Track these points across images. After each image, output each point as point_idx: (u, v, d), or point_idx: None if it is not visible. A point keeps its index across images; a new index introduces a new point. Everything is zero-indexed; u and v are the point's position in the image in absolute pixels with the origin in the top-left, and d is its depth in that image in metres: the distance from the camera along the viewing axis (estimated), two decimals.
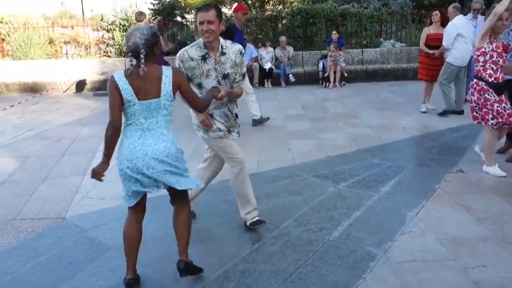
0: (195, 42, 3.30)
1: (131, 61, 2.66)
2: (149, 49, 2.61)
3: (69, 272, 3.06)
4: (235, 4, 12.10)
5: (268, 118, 7.31)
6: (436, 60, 7.35)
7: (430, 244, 3.23)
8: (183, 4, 19.89)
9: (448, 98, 7.23)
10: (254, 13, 18.69)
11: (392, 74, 11.60)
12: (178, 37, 14.00)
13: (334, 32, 11.48)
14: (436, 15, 7.56)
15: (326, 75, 11.02)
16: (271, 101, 9.39)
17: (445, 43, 7.04)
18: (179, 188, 2.79)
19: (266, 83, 11.76)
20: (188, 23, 17.10)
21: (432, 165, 4.97)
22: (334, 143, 5.93)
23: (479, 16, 7.79)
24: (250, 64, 11.71)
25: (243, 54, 3.35)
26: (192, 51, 3.24)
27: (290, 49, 12.06)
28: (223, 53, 3.26)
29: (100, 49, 13.84)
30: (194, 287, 2.87)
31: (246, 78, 6.62)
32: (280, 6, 21.22)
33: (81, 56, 13.46)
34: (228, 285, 2.86)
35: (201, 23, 3.14)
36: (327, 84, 11.00)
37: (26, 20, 14.91)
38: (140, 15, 9.46)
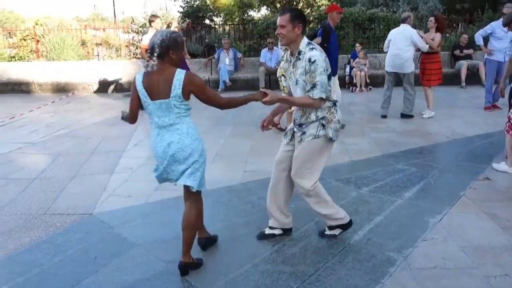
0: None
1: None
2: (163, 50, 2.77)
3: (95, 266, 3.17)
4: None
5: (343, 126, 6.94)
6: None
7: (452, 251, 3.21)
8: (211, 7, 20.15)
9: (412, 103, 7.60)
10: None
11: (419, 79, 11.43)
12: (206, 40, 14.17)
13: (357, 44, 11.46)
14: (430, 21, 7.68)
15: (354, 81, 11.01)
16: None
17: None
18: (179, 183, 3.04)
19: None
20: (216, 26, 17.31)
21: (458, 172, 4.91)
22: (358, 148, 5.91)
23: None
24: (277, 67, 11.75)
25: (314, 62, 3.04)
26: (287, 52, 3.31)
27: None
28: (298, 58, 3.14)
29: (130, 51, 14.14)
30: (216, 284, 2.92)
31: (333, 83, 6.48)
32: (308, 10, 21.20)
33: (111, 57, 13.78)
34: (247, 284, 2.91)
35: (278, 26, 3.18)
36: (354, 88, 10.96)
37: (60, 22, 15.37)
38: (152, 17, 9.38)
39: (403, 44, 7.41)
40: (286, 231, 3.56)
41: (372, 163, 5.29)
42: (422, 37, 7.44)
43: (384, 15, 13.56)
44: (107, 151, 6.13)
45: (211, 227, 3.70)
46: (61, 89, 11.89)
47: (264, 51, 12.03)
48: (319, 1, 24.61)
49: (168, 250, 3.35)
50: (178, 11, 18.00)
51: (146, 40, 9.48)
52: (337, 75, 6.85)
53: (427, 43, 7.41)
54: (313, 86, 3.06)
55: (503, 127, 5.11)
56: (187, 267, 3.04)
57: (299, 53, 3.14)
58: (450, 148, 5.87)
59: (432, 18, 7.73)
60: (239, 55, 12.51)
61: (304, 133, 3.23)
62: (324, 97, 3.09)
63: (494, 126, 5.15)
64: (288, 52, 3.27)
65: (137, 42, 13.95)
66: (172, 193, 4.49)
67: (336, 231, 3.48)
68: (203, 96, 2.98)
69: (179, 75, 2.81)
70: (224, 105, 3.16)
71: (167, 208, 4.16)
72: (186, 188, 3.08)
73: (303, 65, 3.10)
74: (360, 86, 10.90)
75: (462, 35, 11.98)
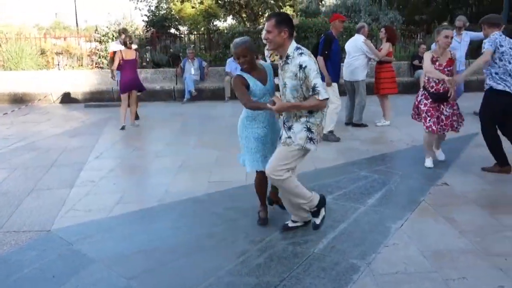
0: None
1: None
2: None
3: (53, 285, 3.05)
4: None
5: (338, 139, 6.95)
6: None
7: (412, 256, 3.27)
8: (177, 17, 20.04)
9: (360, 112, 7.83)
10: (248, 25, 18.85)
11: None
12: (170, 49, 14.07)
13: None
14: (381, 32, 8.03)
15: None
16: None
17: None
18: None
19: None
20: (181, 35, 17.23)
21: (417, 178, 5.02)
22: (322, 156, 5.96)
23: (464, 32, 8.12)
24: None
25: (305, 68, 3.18)
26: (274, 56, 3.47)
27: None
28: (287, 62, 3.29)
29: (92, 60, 13.88)
30: None
31: (332, 89, 6.70)
32: None
33: (73, 67, 13.48)
34: None
35: (265, 31, 3.32)
36: None
37: (19, 30, 14.95)
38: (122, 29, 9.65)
39: (354, 53, 7.62)
40: (307, 223, 3.79)
41: (336, 171, 5.35)
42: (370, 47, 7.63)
43: (347, 25, 13.82)
44: (67, 163, 5.97)
45: (175, 240, 3.65)
46: (19, 100, 11.55)
47: (230, 61, 12.05)
48: (285, 9, 24.91)
49: (129, 265, 3.27)
50: (142, 20, 17.79)
51: (113, 47, 9.49)
52: (337, 82, 7.02)
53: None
54: (314, 89, 3.20)
55: (460, 134, 5.31)
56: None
57: (287, 57, 3.28)
58: (410, 155, 6.02)
59: (382, 29, 8.03)
60: (205, 64, 12.48)
61: (290, 137, 3.40)
62: (327, 97, 3.26)
63: (451, 133, 5.33)
64: (278, 56, 3.45)
65: (99, 51, 13.73)
66: (135, 206, 4.42)
67: (321, 214, 3.70)
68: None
69: None
70: (244, 105, 3.51)
71: (130, 221, 4.08)
72: None
73: (292, 69, 3.23)
74: None
75: (421, 45, 12.37)
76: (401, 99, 9.56)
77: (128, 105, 8.23)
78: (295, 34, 3.41)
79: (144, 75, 12.71)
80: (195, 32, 16.42)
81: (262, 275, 3.09)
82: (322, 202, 3.69)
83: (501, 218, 3.88)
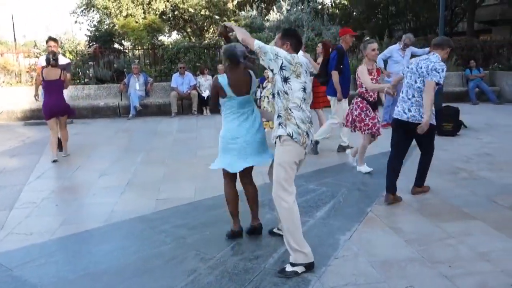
0: None
1: None
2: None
3: None
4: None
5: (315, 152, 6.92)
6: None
7: (361, 267, 3.33)
8: (120, 31, 19.70)
9: None
10: (193, 40, 18.82)
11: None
12: (114, 64, 13.77)
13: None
14: (318, 47, 8.10)
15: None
16: (210, 128, 9.41)
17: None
18: None
19: (204, 111, 11.81)
20: (125, 50, 16.93)
21: (364, 189, 5.16)
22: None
23: (408, 48, 8.75)
24: (189, 92, 11.73)
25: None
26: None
27: None
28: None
29: (32, 76, 13.30)
30: None
31: (341, 105, 6.83)
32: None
33: (11, 84, 12.86)
34: None
35: None
36: None
37: None
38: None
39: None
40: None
41: None
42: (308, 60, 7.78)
43: None
44: (6, 185, 5.65)
45: (122, 262, 3.53)
46: None
47: (175, 76, 11.96)
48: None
49: None
50: (85, 35, 17.35)
51: (41, 61, 8.34)
52: (346, 98, 7.04)
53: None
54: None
55: None
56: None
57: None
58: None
59: (319, 45, 8.16)
60: (150, 80, 12.30)
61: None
62: None
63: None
64: None
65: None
66: (79, 227, 4.24)
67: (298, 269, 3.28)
68: None
69: None
70: None
71: (74, 244, 3.90)
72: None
73: None
74: None
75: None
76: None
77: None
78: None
79: (87, 91, 12.35)
80: (139, 47, 16.16)
81: None
82: (310, 266, 3.31)
83: (444, 226, 4.04)
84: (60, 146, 7.09)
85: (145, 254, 3.68)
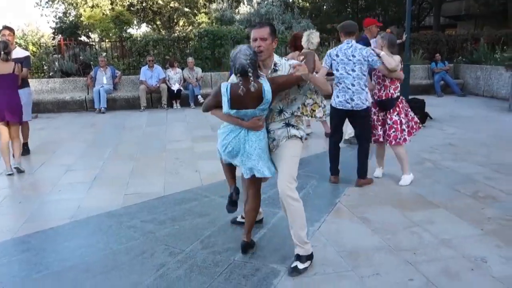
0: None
1: None
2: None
3: None
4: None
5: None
6: None
7: (330, 257, 3.38)
8: (86, 23, 19.27)
9: None
10: (163, 33, 18.58)
11: None
12: (80, 57, 13.45)
13: None
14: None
15: None
16: (180, 122, 9.33)
17: None
18: None
19: (174, 104, 11.70)
20: (92, 43, 16.57)
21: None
22: None
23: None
24: (158, 85, 11.59)
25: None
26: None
27: (198, 70, 12.13)
28: (275, 70, 3.17)
29: None
30: None
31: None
32: (189, 27, 21.26)
33: None
34: None
35: (254, 40, 3.10)
36: None
37: None
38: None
39: None
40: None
41: None
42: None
43: None
44: None
45: (89, 258, 3.47)
46: None
47: (144, 69, 11.80)
48: (199, 19, 24.91)
49: None
50: (50, 27, 16.87)
51: None
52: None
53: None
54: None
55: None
56: (249, 246, 3.47)
57: (275, 64, 3.19)
58: (326, 159, 6.22)
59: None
60: (118, 73, 12.08)
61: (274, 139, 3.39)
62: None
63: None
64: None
65: None
66: (44, 224, 4.14)
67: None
68: None
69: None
70: None
71: (39, 242, 3.80)
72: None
73: (286, 71, 3.15)
74: None
75: None
76: None
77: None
78: (210, 42, 3.40)
79: (52, 85, 12.04)
80: (106, 40, 15.84)
81: (182, 287, 3.02)
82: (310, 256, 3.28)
83: (410, 215, 4.14)
84: (25, 147, 6.70)
85: (113, 250, 3.62)
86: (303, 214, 3.28)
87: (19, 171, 5.88)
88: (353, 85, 4.80)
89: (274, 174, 3.35)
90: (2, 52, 5.66)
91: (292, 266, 3.19)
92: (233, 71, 3.10)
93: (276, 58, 3.24)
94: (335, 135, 5.26)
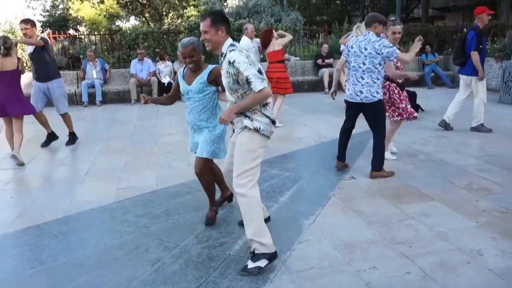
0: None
1: None
2: None
3: None
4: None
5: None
6: None
7: (325, 251, 3.36)
8: (77, 17, 19.04)
9: None
10: (152, 26, 18.40)
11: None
12: (70, 50, 13.28)
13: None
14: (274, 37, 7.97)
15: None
16: (171, 115, 9.26)
17: None
18: None
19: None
20: (81, 36, 16.38)
21: (327, 173, 5.21)
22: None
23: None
24: (148, 78, 11.49)
25: (233, 63, 2.96)
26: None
27: None
28: (222, 61, 3.14)
29: None
30: None
31: (482, 83, 7.07)
32: (179, 20, 21.10)
33: None
34: None
35: (202, 32, 3.12)
36: None
37: None
38: None
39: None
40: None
41: None
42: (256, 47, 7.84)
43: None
44: None
45: (83, 253, 3.43)
46: None
47: (134, 62, 11.69)
48: (189, 12, 24.72)
49: (32, 285, 3.00)
50: (38, 21, 16.62)
51: None
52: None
53: None
54: (248, 82, 2.95)
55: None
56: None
57: (222, 55, 3.14)
58: (319, 151, 6.23)
59: (275, 33, 8.05)
60: (107, 66, 11.95)
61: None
62: (266, 85, 2.95)
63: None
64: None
65: None
66: (37, 219, 4.09)
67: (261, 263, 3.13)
68: None
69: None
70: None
71: (31, 237, 3.75)
72: None
73: (224, 67, 3.08)
74: None
75: (323, 45, 12.89)
76: (307, 97, 9.91)
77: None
78: (200, 34, 3.31)
79: None
80: (96, 33, 15.64)
81: (178, 282, 3.00)
82: (273, 256, 3.17)
83: (404, 208, 4.14)
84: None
85: (106, 245, 3.58)
86: (251, 210, 3.08)
87: (16, 160, 5.87)
88: (362, 78, 4.77)
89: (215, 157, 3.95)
90: (2, 47, 5.70)
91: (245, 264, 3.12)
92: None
93: (224, 48, 3.09)
94: (347, 123, 5.26)
